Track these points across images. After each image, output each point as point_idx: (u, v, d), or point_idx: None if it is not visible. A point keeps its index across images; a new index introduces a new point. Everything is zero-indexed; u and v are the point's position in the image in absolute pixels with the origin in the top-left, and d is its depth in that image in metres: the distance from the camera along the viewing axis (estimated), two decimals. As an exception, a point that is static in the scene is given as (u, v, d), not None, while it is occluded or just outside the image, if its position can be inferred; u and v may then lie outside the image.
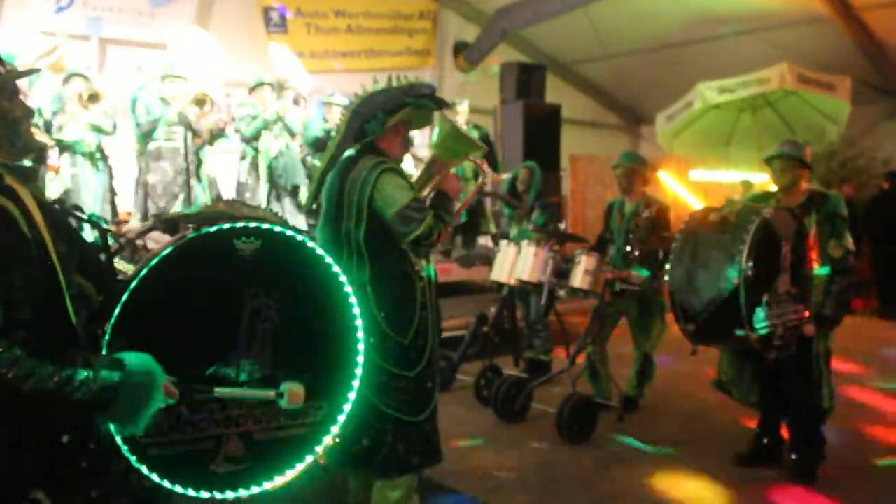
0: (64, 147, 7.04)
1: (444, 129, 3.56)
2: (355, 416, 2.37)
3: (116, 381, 1.81)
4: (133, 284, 1.92)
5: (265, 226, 2.14)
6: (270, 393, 2.10)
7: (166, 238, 2.15)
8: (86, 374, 1.77)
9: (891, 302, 10.38)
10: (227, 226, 2.07)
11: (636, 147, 15.96)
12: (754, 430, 4.66)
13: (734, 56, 11.79)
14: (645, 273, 5.36)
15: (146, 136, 7.28)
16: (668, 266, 4.39)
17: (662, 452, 4.87)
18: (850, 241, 4.29)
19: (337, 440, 2.32)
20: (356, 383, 2.33)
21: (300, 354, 2.21)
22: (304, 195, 8.13)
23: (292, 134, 8.20)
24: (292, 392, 2.11)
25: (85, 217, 2.06)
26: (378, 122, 3.24)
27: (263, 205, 7.77)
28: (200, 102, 7.40)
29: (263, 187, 7.97)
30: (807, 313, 4.19)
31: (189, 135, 7.35)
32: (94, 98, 7.05)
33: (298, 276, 2.22)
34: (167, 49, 9.11)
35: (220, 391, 2.01)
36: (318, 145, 8.34)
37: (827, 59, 11.23)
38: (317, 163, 8.40)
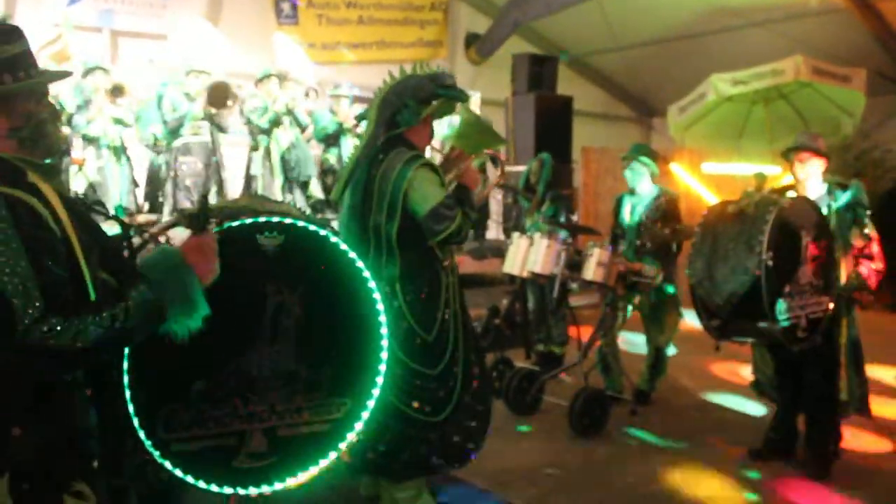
0: (89, 140, 7.10)
1: (465, 121, 3.52)
2: (373, 421, 2.35)
3: (146, 288, 1.81)
4: (157, 280, 1.93)
5: (288, 220, 2.13)
6: None
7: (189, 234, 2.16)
8: (119, 308, 1.76)
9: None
10: (249, 220, 2.07)
11: (648, 139, 15.88)
12: (769, 424, 4.64)
13: (747, 48, 11.70)
14: (656, 264, 5.35)
15: (173, 132, 7.33)
16: (686, 260, 4.37)
17: (674, 446, 4.86)
18: (872, 229, 4.27)
19: (358, 439, 2.31)
20: (380, 380, 2.32)
21: (323, 350, 2.21)
22: (314, 188, 8.14)
23: (302, 127, 8.20)
24: None
25: (108, 213, 2.07)
26: (411, 112, 3.16)
27: (277, 197, 7.79)
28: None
29: (277, 181, 7.99)
30: (831, 304, 4.17)
31: (214, 129, 7.41)
32: (118, 91, 7.14)
33: (322, 271, 2.21)
34: (169, 40, 9.14)
35: None
36: (329, 139, 8.35)
37: (842, 50, 11.12)
38: (329, 157, 8.45)
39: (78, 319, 1.70)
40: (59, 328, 1.67)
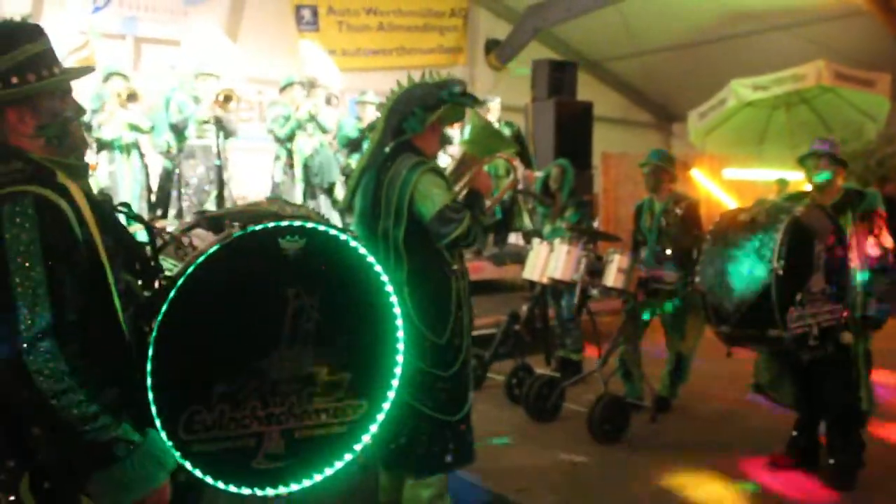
0: (102, 145, 7.17)
1: (476, 126, 3.57)
2: (392, 416, 2.38)
3: (137, 440, 1.79)
4: (180, 282, 1.94)
5: (310, 224, 2.14)
6: None
7: (209, 236, 2.17)
8: (109, 419, 1.74)
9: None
10: (272, 224, 2.08)
11: (668, 145, 15.82)
12: (791, 433, 4.59)
13: (768, 52, 11.63)
14: (677, 271, 5.32)
15: (178, 134, 7.39)
16: (698, 267, 4.34)
17: (695, 455, 4.81)
18: (889, 240, 4.22)
19: (373, 438, 2.33)
20: (395, 383, 2.34)
21: (341, 353, 2.22)
22: (339, 193, 8.18)
23: (325, 132, 8.24)
24: None
25: (133, 213, 2.09)
26: (417, 119, 3.22)
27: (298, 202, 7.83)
28: (227, 99, 7.48)
29: (298, 187, 8.03)
30: (845, 313, 4.12)
31: (221, 133, 7.45)
32: (132, 97, 7.19)
33: (341, 275, 2.22)
34: (182, 46, 9.22)
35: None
36: (352, 145, 8.38)
37: (865, 54, 11.02)
38: (351, 162, 8.49)
39: (85, 393, 1.70)
40: (55, 375, 1.68)
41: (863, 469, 4.27)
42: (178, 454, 1.95)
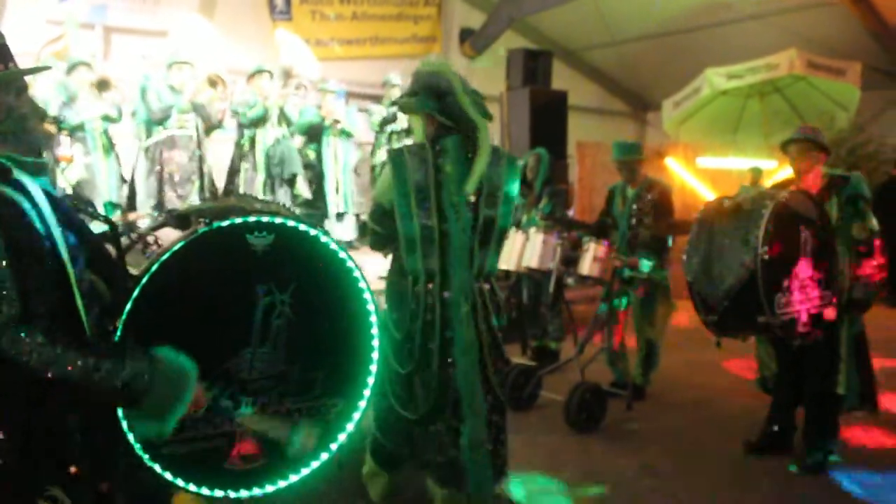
0: (77, 137, 7.04)
1: None
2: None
3: (146, 369, 1.79)
4: (144, 280, 1.91)
5: (278, 220, 2.11)
6: (286, 431, 2.06)
7: (178, 233, 2.13)
8: (112, 362, 1.75)
9: (900, 289, 10.34)
10: (239, 220, 2.05)
11: (643, 134, 15.87)
12: (766, 418, 4.64)
13: (743, 42, 11.69)
14: (651, 261, 5.34)
15: (159, 123, 7.26)
16: (684, 257, 4.34)
17: (670, 441, 4.85)
18: (874, 222, 4.25)
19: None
20: (371, 380, 2.31)
21: (314, 350, 2.19)
22: (300, 184, 8.09)
23: (290, 123, 8.17)
24: (308, 437, 2.07)
25: (95, 212, 2.05)
26: None
27: (258, 194, 7.77)
28: (213, 83, 7.38)
29: (259, 176, 7.94)
30: (834, 298, 4.15)
31: (200, 122, 7.35)
32: (104, 85, 7.08)
33: (312, 271, 2.20)
34: (168, 36, 9.09)
35: (241, 415, 1.99)
36: (310, 134, 8.29)
37: (836, 43, 11.12)
38: (309, 152, 8.41)
39: (61, 348, 1.69)
40: (37, 348, 1.66)
41: (834, 454, 4.34)
42: (146, 457, 1.92)
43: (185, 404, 1.83)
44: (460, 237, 3.11)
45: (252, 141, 7.99)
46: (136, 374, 1.77)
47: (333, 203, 8.51)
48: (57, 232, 1.79)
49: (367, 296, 2.31)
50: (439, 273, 3.11)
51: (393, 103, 3.40)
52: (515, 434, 4.96)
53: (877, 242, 4.23)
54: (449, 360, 3.10)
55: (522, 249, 5.75)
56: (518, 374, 5.48)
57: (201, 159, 7.32)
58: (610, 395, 5.36)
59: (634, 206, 5.66)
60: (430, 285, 3.12)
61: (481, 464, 3.11)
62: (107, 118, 7.13)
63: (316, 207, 8.46)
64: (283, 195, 8.02)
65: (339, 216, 8.64)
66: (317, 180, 8.50)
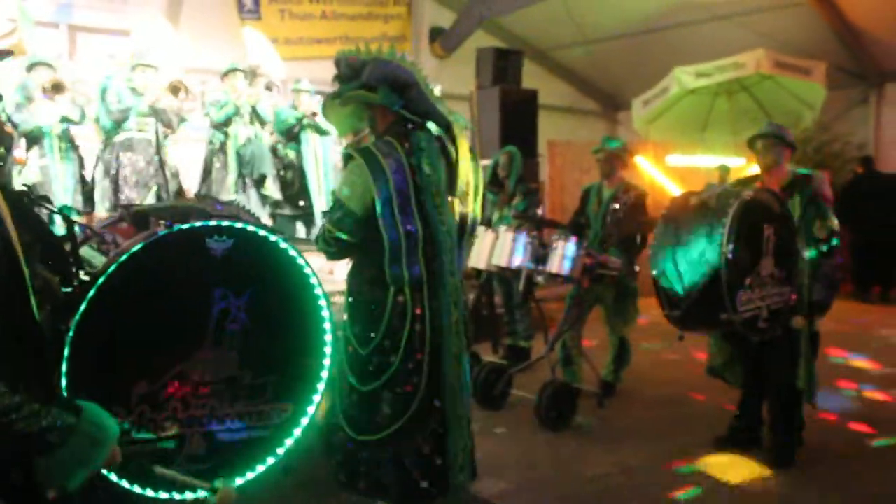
0: (32, 139, 6.90)
1: None
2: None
3: (70, 423, 1.70)
4: (100, 280, 1.87)
5: (238, 224, 2.09)
6: (205, 485, 1.98)
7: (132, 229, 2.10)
8: (38, 406, 1.65)
9: (866, 286, 10.52)
10: (199, 224, 2.03)
11: (613, 132, 15.96)
12: (733, 413, 4.68)
13: (712, 41, 11.79)
14: (621, 258, 5.36)
15: (118, 124, 7.14)
16: (649, 252, 4.37)
17: (641, 438, 4.87)
18: (835, 222, 4.29)
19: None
20: (321, 386, 2.31)
21: (267, 356, 2.19)
22: (269, 185, 8.01)
23: (263, 123, 8.09)
24: (226, 493, 1.98)
25: (52, 207, 2.00)
26: None
27: (230, 194, 7.68)
28: (175, 90, 7.28)
29: (230, 175, 7.86)
30: (794, 296, 4.19)
31: (160, 126, 7.24)
32: (57, 88, 6.90)
33: (269, 276, 2.19)
34: (130, 36, 8.97)
35: (159, 470, 1.92)
36: (289, 134, 8.23)
37: (803, 44, 11.27)
38: (289, 152, 8.33)
39: (4, 385, 1.59)
40: None
41: (801, 447, 4.39)
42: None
43: (97, 464, 1.74)
44: (447, 242, 2.95)
45: (223, 141, 7.90)
46: (55, 426, 1.67)
47: (318, 202, 8.41)
48: (10, 227, 1.73)
49: (321, 303, 2.30)
50: (426, 280, 2.93)
51: (334, 96, 3.07)
52: (486, 433, 4.98)
53: (836, 242, 4.28)
54: (438, 369, 2.93)
55: (492, 248, 5.74)
56: (489, 373, 5.47)
57: (161, 163, 7.19)
58: (581, 393, 5.37)
59: (609, 208, 5.68)
60: (417, 294, 2.92)
61: (463, 469, 3.04)
62: (67, 120, 6.99)
63: (300, 207, 8.40)
64: (254, 195, 7.94)
65: (325, 214, 8.54)
66: (299, 179, 8.39)
